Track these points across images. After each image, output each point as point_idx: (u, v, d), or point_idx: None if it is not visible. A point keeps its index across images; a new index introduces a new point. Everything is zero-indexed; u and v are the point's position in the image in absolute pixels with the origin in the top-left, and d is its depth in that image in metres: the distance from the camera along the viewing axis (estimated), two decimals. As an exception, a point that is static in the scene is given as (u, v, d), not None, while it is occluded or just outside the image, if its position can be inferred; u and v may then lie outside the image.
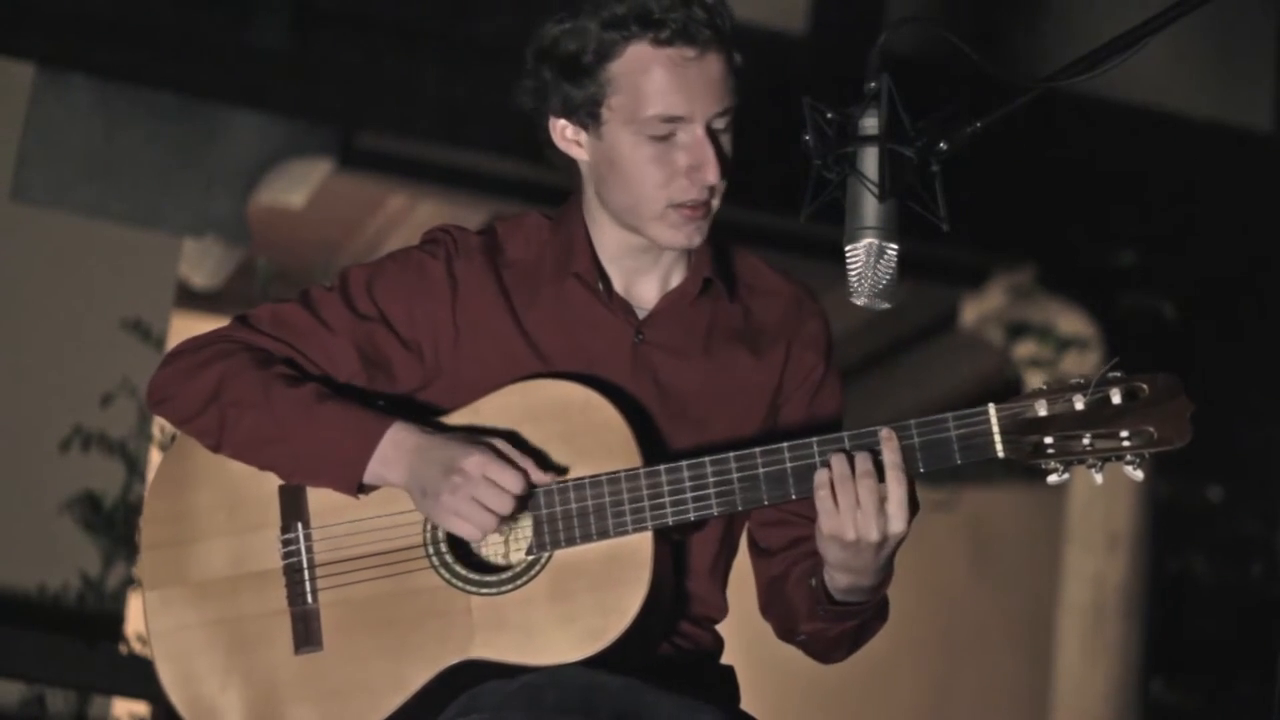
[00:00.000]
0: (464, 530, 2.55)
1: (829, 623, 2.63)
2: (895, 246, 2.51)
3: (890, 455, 2.48)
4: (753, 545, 2.78)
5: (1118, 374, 2.51)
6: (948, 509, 8.86)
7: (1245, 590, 7.06)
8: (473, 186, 7.00)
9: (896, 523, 2.48)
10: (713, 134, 2.62)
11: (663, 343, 2.70)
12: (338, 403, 2.62)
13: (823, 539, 2.51)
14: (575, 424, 2.59)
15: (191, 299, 7.19)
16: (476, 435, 2.58)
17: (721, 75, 2.62)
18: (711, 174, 2.61)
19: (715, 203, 2.65)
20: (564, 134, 2.68)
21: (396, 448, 2.58)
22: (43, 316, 6.06)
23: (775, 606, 2.73)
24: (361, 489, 2.61)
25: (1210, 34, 7.10)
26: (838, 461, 2.49)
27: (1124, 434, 2.48)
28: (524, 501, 2.56)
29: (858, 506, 2.47)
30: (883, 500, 2.48)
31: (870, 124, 2.50)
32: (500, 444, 2.57)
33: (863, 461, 2.48)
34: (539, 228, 2.77)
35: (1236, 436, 6.87)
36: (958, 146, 2.50)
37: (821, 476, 2.49)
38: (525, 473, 2.55)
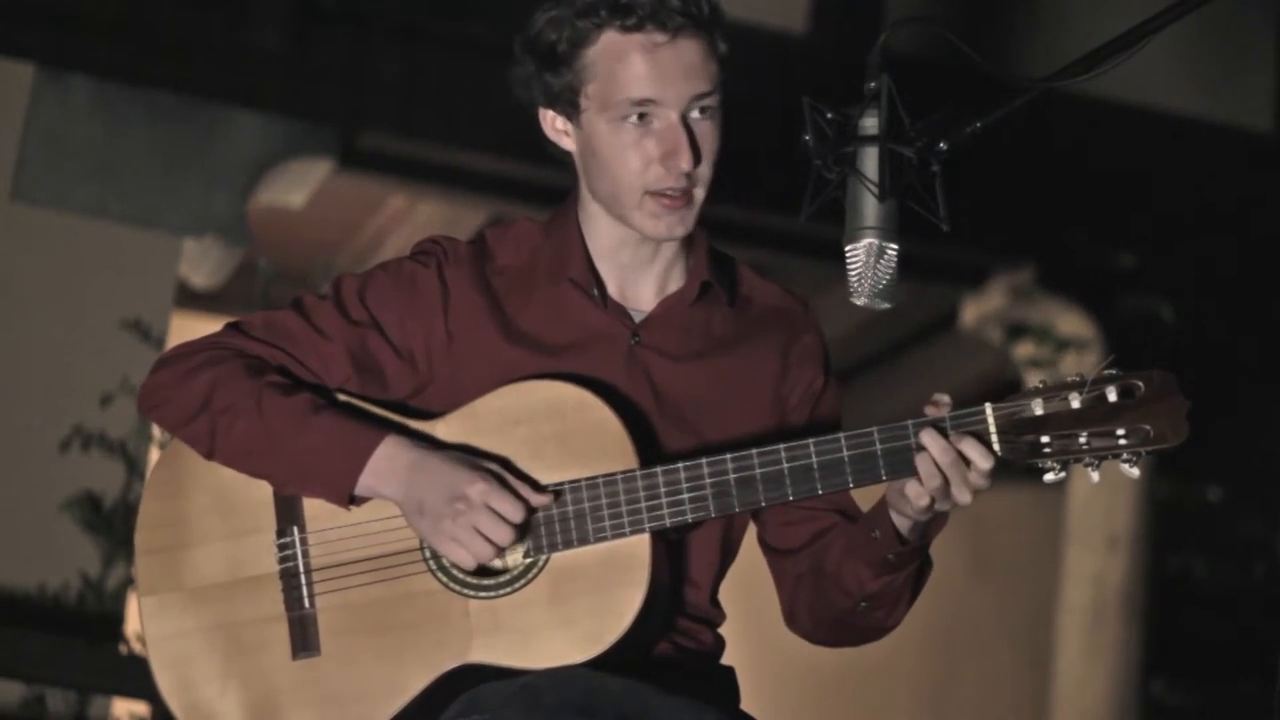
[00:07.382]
0: (459, 557, 2.54)
1: (895, 573, 2.62)
2: (895, 246, 2.51)
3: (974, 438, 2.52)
4: (770, 550, 2.76)
5: (1113, 371, 2.50)
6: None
7: (1245, 590, 7.05)
8: (473, 186, 7.00)
9: (967, 496, 2.53)
10: (690, 122, 2.60)
11: (659, 346, 2.69)
12: (331, 413, 2.61)
13: (900, 499, 2.54)
14: (570, 424, 2.58)
15: (191, 299, 7.18)
16: (477, 457, 2.57)
17: (698, 60, 2.59)
18: (685, 160, 2.59)
19: (699, 192, 2.63)
20: (553, 125, 2.69)
21: (390, 461, 2.57)
22: (43, 316, 6.05)
23: (812, 599, 2.71)
24: (353, 500, 2.60)
25: (1210, 34, 7.09)
26: (935, 438, 2.50)
27: (1120, 432, 2.48)
28: (523, 531, 2.55)
29: (947, 482, 2.51)
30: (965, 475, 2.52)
31: (870, 124, 2.50)
32: (503, 471, 2.56)
33: (963, 444, 2.51)
34: (529, 233, 2.76)
35: (1236, 436, 6.86)
36: (958, 146, 2.49)
37: (925, 454, 2.51)
38: (526, 502, 2.54)
